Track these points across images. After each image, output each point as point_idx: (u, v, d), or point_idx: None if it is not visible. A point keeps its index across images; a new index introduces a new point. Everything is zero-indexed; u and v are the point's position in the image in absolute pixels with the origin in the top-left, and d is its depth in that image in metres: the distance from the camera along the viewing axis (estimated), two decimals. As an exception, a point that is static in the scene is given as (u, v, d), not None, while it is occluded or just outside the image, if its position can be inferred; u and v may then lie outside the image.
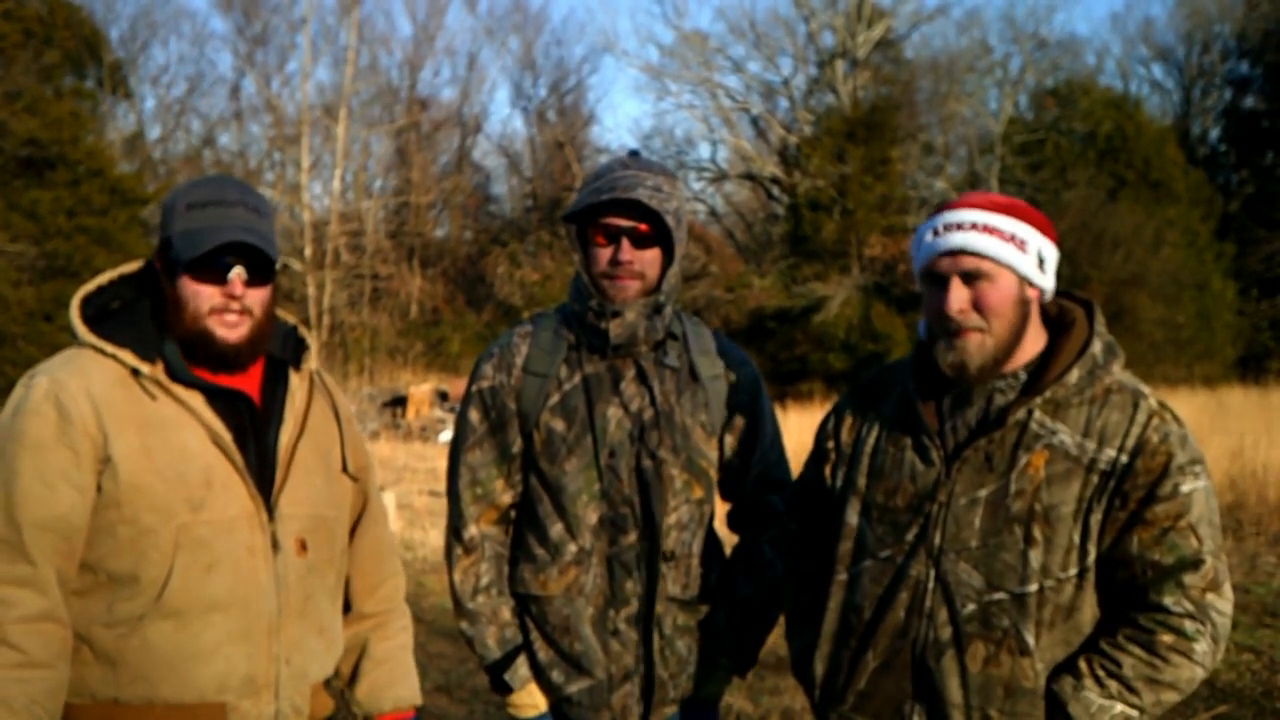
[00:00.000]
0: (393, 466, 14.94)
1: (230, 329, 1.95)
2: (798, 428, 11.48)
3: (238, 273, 1.94)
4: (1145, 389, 2.06)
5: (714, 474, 2.46)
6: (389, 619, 2.27)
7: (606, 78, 69.71)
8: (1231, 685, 5.45)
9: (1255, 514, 9.59)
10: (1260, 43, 32.85)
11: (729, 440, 2.47)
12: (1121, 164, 29.67)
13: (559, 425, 2.37)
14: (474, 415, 2.44)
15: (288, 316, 2.19)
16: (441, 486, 12.50)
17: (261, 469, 1.99)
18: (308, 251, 32.66)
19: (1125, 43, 43.91)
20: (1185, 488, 1.96)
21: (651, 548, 2.37)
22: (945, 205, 2.09)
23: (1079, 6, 54.80)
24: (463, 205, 37.85)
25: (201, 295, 1.93)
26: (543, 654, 2.40)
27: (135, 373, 1.93)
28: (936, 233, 2.04)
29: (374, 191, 37.11)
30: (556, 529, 2.37)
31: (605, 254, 2.33)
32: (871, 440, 2.20)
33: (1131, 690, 1.94)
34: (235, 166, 34.24)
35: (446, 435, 19.72)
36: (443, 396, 23.15)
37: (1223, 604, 1.96)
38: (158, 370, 1.93)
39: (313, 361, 2.14)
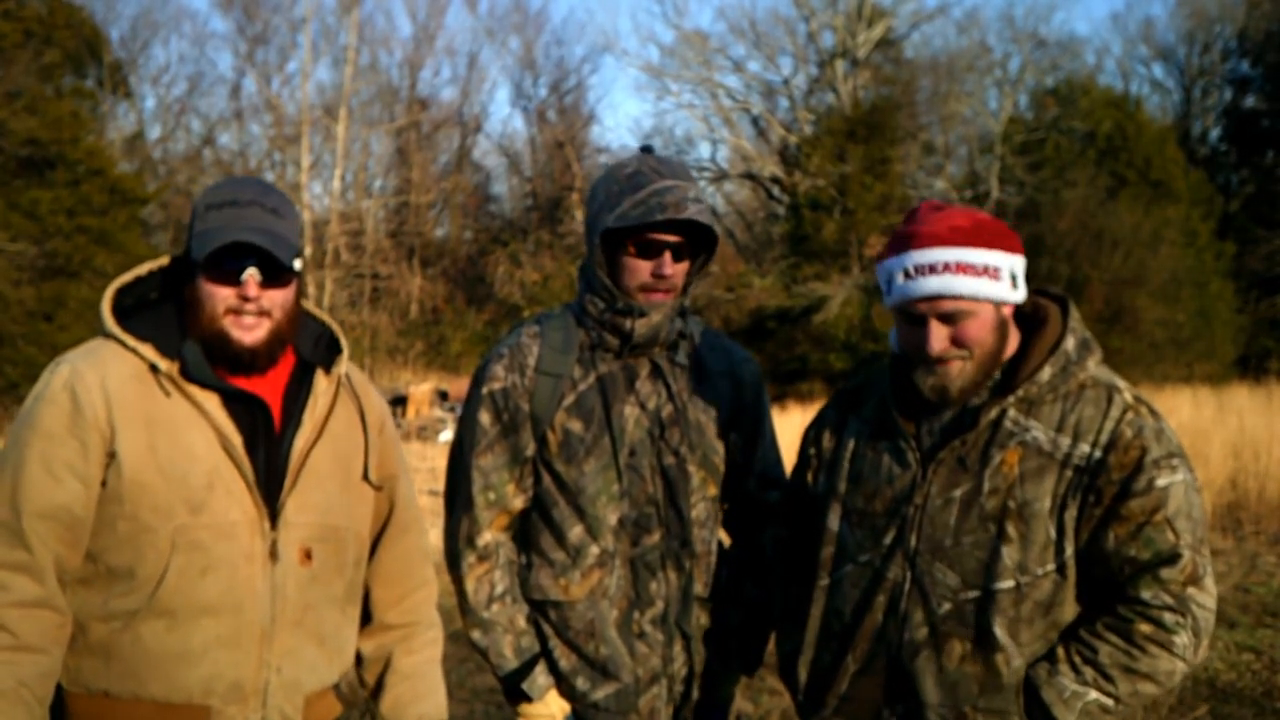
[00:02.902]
0: (393, 466, 14.90)
1: (247, 331, 1.93)
2: (799, 427, 11.46)
3: (250, 274, 1.91)
4: (1121, 383, 2.04)
5: (723, 471, 2.44)
6: (415, 631, 2.23)
7: (607, 77, 69.72)
8: (1232, 685, 5.45)
9: (1255, 513, 9.59)
10: (1261, 42, 32.83)
11: (734, 437, 2.45)
12: (1122, 163, 29.64)
13: (575, 426, 2.33)
14: (485, 418, 2.38)
15: (323, 315, 2.15)
16: (442, 486, 12.46)
17: (270, 475, 1.97)
18: (308, 251, 32.52)
19: (1125, 42, 43.92)
20: (1161, 481, 1.94)
21: (681, 546, 2.35)
22: (907, 236, 2.03)
23: (1079, 6, 54.85)
24: (463, 205, 37.84)
25: (216, 296, 1.91)
26: (564, 661, 2.35)
27: (154, 368, 1.92)
28: (908, 274, 2.00)
29: (374, 191, 37.18)
30: (576, 531, 2.33)
31: (644, 266, 2.29)
32: (851, 446, 2.20)
33: (1107, 678, 1.94)
34: (235, 166, 34.23)
35: (446, 435, 19.69)
36: (443, 396, 23.14)
37: (1204, 597, 1.94)
38: (174, 368, 1.92)
39: (343, 365, 2.11)
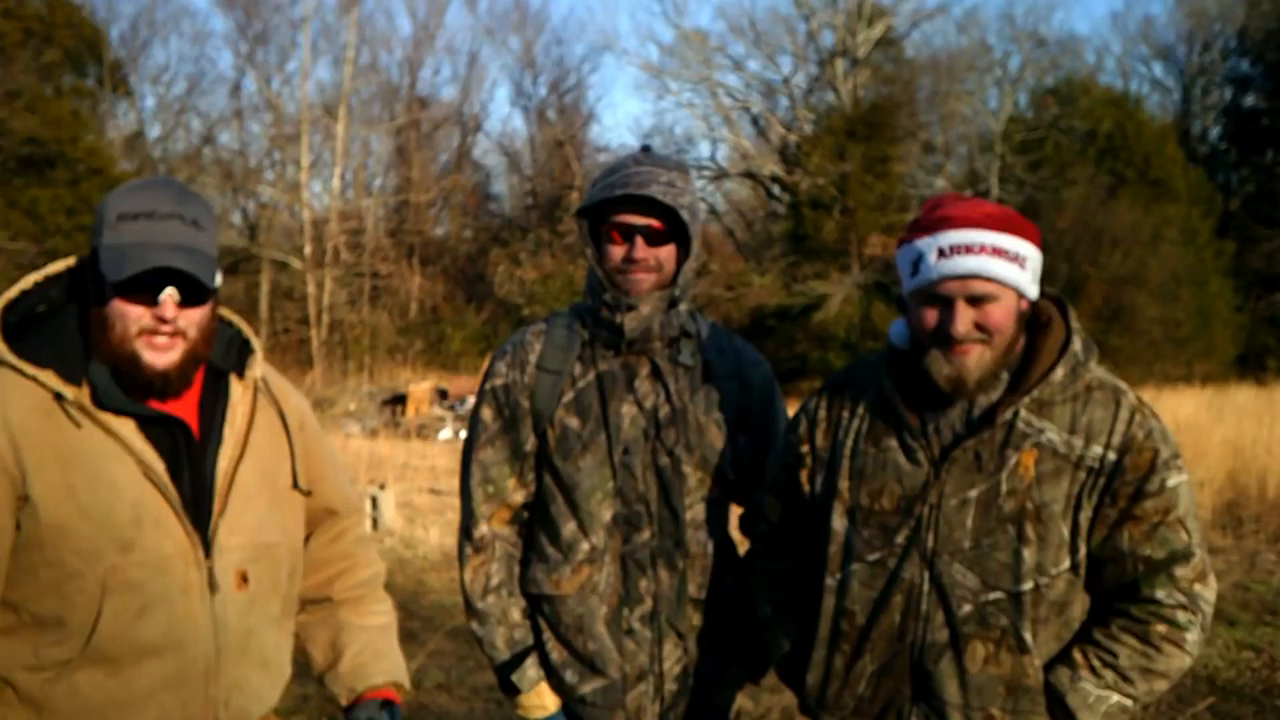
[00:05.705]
0: (392, 465, 14.90)
1: (160, 353, 1.76)
2: (798, 426, 11.42)
3: (169, 294, 1.75)
4: (1123, 385, 2.06)
5: (728, 473, 2.42)
6: (365, 600, 2.16)
7: (607, 76, 69.74)
8: (1231, 683, 5.45)
9: (1255, 511, 9.58)
10: (1261, 41, 32.85)
11: (742, 440, 2.44)
12: (1121, 162, 29.67)
13: (573, 422, 2.35)
14: (487, 413, 2.41)
15: (232, 316, 2.00)
16: (441, 484, 12.50)
17: (198, 500, 1.83)
18: (307, 250, 32.68)
19: (1125, 41, 43.91)
20: (1171, 482, 1.98)
21: (675, 546, 2.35)
22: (941, 218, 2.02)
23: (1079, 5, 54.85)
24: (462, 204, 37.86)
25: (129, 316, 1.74)
26: (556, 654, 2.38)
27: (59, 397, 1.74)
28: (943, 253, 1.98)
29: (374, 190, 37.19)
30: (569, 527, 2.35)
31: (619, 251, 2.30)
32: (849, 442, 2.16)
33: (1127, 680, 1.98)
34: (235, 165, 34.28)
35: (446, 433, 19.71)
36: (442, 394, 23.15)
37: (1209, 593, 2.00)
38: (83, 395, 1.75)
39: (257, 369, 1.96)
